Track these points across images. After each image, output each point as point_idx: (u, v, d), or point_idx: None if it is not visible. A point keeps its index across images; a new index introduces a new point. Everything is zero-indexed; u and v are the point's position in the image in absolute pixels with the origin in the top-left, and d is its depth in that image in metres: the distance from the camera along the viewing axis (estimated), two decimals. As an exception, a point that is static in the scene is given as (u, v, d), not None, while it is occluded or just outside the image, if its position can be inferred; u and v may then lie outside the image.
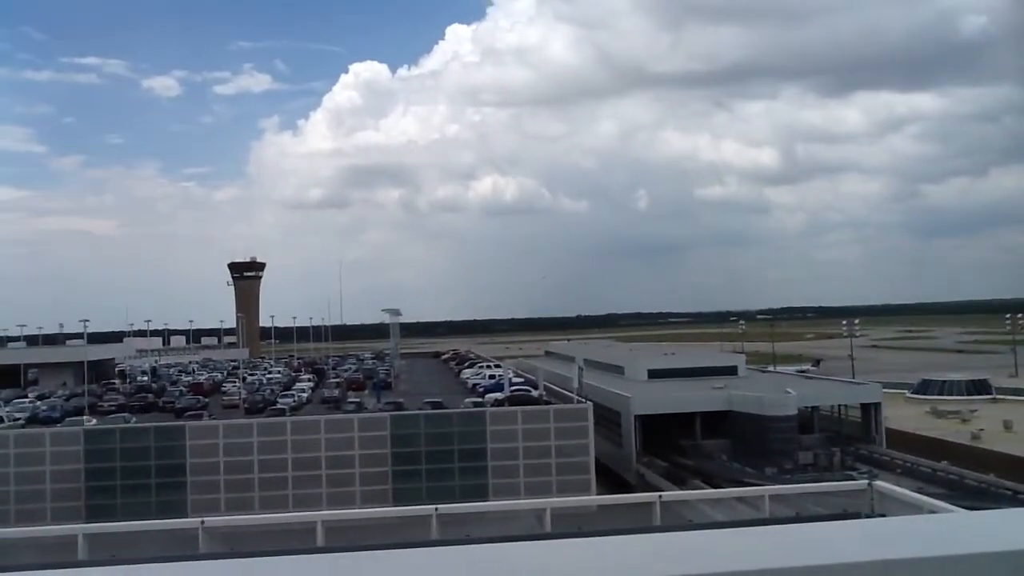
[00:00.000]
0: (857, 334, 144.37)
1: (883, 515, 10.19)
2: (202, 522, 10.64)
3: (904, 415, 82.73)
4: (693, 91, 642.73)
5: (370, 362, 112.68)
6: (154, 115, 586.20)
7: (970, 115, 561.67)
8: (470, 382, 79.28)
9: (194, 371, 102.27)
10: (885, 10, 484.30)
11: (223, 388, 79.44)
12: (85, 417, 60.22)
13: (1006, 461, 59.82)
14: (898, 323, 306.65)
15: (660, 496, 11.30)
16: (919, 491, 16.95)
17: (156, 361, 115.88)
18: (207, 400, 70.04)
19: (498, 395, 64.59)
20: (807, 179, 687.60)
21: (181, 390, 77.08)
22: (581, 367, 68.02)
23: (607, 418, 66.59)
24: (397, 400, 64.93)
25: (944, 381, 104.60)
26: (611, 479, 62.35)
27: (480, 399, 64.62)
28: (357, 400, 66.14)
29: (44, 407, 66.87)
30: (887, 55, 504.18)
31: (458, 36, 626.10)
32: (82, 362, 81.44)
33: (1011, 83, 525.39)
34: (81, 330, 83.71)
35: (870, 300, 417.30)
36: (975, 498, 46.83)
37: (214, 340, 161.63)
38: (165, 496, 49.22)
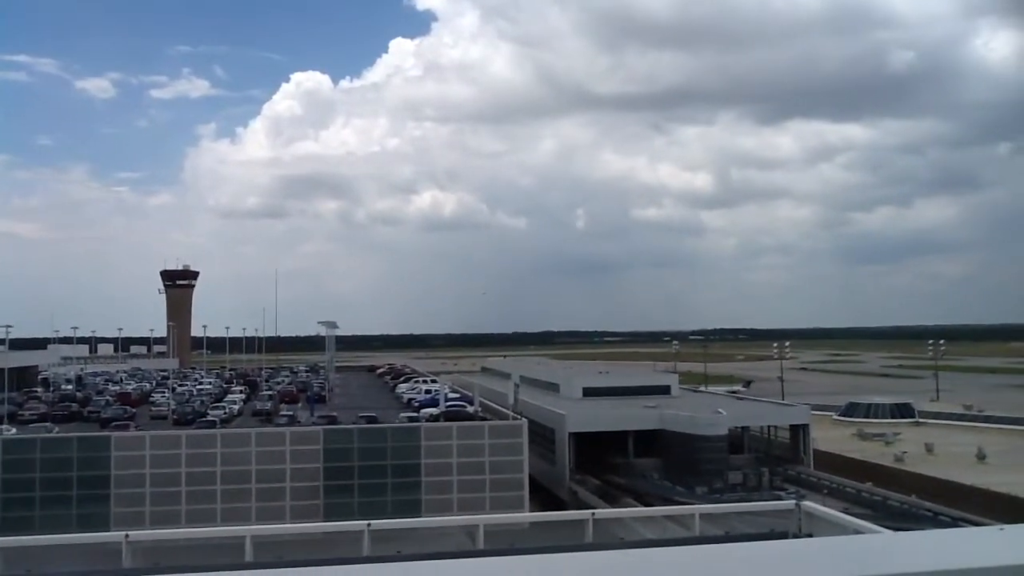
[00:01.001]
0: (787, 356, 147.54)
1: (810, 534, 10.39)
2: (126, 536, 10.36)
3: (831, 437, 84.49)
4: (631, 113, 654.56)
5: (304, 375, 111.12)
6: (86, 117, 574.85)
7: (897, 147, 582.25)
8: (405, 397, 78.74)
9: (122, 380, 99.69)
10: (819, 42, 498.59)
11: (152, 398, 77.60)
12: (4, 426, 58.26)
13: (927, 483, 61.50)
14: (826, 347, 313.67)
15: (593, 514, 11.35)
16: (844, 511, 17.32)
17: (82, 369, 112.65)
18: (134, 411, 68.31)
19: (433, 410, 64.25)
20: (741, 203, 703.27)
21: (107, 400, 74.97)
22: (517, 384, 68.23)
23: (541, 435, 66.73)
24: (331, 414, 64.16)
25: (869, 404, 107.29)
26: (544, 496, 62.44)
27: (415, 414, 64.18)
28: (290, 413, 65.17)
29: (-40, 415, 64.44)
30: (820, 86, 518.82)
31: (402, 50, 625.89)
32: (2, 369, 78.88)
33: (936, 118, 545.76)
34: (3, 336, 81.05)
35: (800, 323, 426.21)
36: (898, 519, 48.02)
37: (143, 349, 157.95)
38: (87, 509, 47.88)
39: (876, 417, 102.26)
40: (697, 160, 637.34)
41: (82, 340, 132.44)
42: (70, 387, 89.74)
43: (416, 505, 50.00)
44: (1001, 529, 4.97)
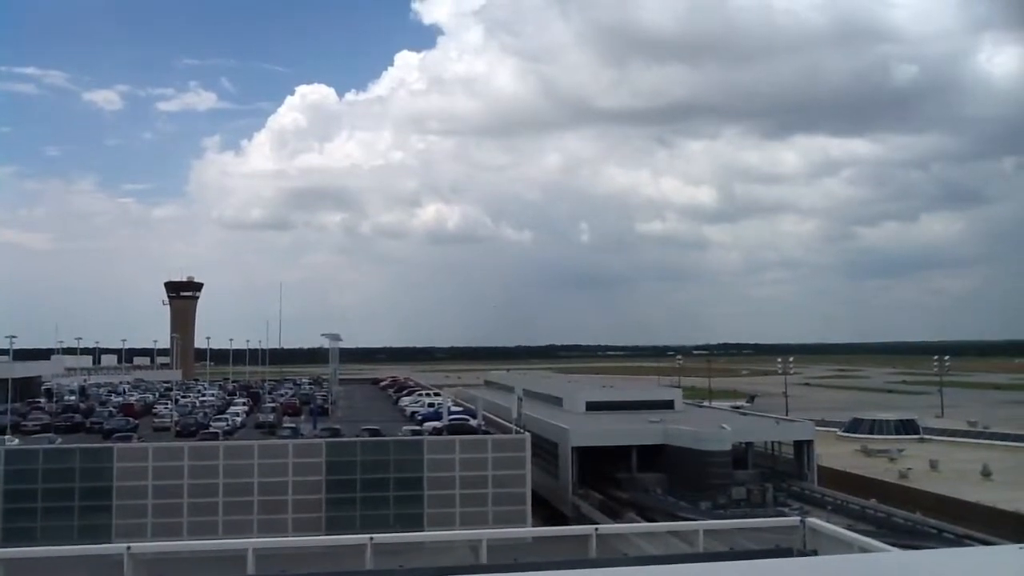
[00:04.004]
0: (791, 372, 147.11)
1: (815, 551, 10.33)
2: (128, 548, 10.34)
3: (835, 453, 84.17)
4: (636, 127, 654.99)
5: (307, 387, 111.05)
6: (94, 129, 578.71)
7: (902, 161, 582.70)
8: (408, 410, 78.60)
9: (125, 391, 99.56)
10: (823, 56, 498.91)
11: (154, 410, 77.57)
12: (7, 436, 58.22)
13: (932, 500, 61.24)
14: (831, 362, 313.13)
15: (596, 529, 11.30)
16: (848, 528, 17.21)
17: (85, 380, 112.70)
18: (137, 422, 68.29)
19: (436, 424, 64.13)
20: (745, 218, 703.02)
21: (111, 411, 74.91)
22: (520, 398, 68.02)
23: (545, 449, 66.54)
24: (334, 426, 64.05)
25: (874, 420, 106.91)
26: (547, 511, 62.22)
27: (418, 427, 64.08)
28: (293, 425, 65.07)
29: (-37, 425, 64.36)
30: (824, 100, 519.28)
31: (407, 63, 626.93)
32: (6, 379, 78.90)
33: (940, 132, 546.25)
34: (7, 346, 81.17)
35: (804, 338, 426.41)
36: (902, 536, 47.75)
37: (147, 360, 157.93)
38: (89, 520, 47.80)
39: (880, 433, 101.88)
40: (701, 174, 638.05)
41: (86, 351, 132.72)
42: (73, 398, 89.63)
43: (419, 519, 49.85)
44: (1021, 548, 4.87)
